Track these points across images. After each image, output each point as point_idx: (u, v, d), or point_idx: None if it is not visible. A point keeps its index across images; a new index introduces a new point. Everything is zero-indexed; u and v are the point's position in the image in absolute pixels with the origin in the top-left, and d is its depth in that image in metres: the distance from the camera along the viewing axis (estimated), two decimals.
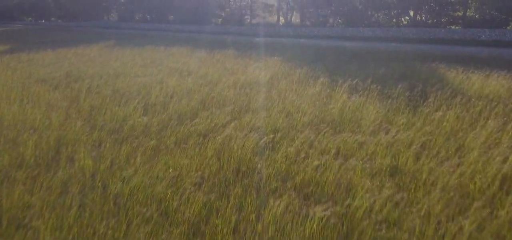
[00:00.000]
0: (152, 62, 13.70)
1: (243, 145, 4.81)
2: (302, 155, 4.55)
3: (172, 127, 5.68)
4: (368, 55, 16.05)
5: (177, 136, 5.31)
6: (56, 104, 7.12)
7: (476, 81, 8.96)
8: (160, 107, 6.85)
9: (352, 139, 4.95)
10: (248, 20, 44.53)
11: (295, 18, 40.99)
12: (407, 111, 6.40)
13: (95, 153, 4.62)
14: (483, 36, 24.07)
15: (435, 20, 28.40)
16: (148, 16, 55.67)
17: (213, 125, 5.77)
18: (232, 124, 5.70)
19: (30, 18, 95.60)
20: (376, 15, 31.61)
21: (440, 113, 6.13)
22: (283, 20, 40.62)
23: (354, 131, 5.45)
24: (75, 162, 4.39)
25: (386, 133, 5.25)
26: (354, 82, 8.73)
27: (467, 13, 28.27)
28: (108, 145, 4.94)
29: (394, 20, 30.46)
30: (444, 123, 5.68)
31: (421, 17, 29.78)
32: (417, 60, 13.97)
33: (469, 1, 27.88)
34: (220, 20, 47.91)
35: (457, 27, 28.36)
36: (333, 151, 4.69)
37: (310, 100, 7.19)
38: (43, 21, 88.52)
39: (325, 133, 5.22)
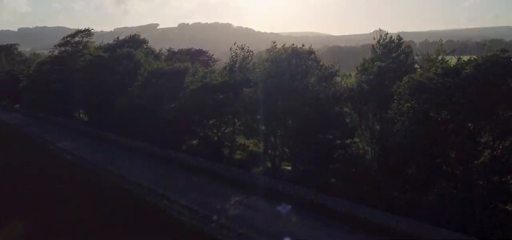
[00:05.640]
0: None
1: None
2: None
3: None
4: None
5: None
6: None
7: None
8: None
9: None
10: (228, 154, 34.62)
11: (286, 165, 30.98)
12: None
13: None
14: None
15: None
16: (114, 125, 46.54)
17: None
18: None
19: (6, 99, 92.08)
20: (399, 194, 21.48)
21: None
22: (271, 164, 30.70)
23: None
24: None
25: None
26: None
27: None
28: None
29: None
30: None
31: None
32: None
33: None
34: (195, 141, 38.55)
35: None
36: None
37: None
38: (18, 105, 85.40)
39: None
